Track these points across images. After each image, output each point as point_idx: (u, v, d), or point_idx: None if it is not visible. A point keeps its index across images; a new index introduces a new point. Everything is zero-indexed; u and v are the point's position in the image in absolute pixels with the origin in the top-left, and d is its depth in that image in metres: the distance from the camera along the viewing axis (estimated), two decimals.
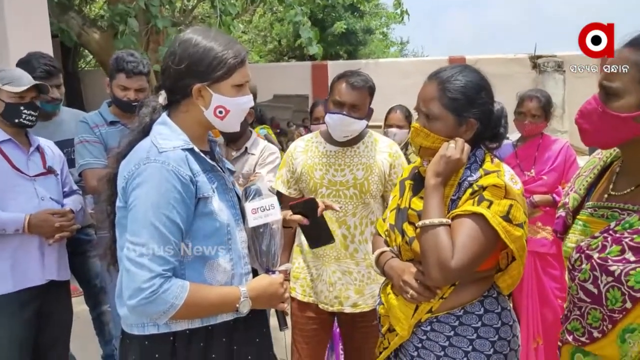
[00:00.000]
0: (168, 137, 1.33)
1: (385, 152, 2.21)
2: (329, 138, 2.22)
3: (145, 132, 1.38)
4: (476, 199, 1.35)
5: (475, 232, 1.31)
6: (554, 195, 2.82)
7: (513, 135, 3.04)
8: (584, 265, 1.12)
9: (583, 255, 1.13)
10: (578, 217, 1.25)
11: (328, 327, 2.30)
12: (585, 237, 1.19)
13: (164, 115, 1.38)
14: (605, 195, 1.22)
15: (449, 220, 1.36)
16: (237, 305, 1.33)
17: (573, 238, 1.23)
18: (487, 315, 1.41)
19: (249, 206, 1.44)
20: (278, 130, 9.44)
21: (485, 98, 1.46)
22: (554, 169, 2.85)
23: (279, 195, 2.33)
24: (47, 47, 3.89)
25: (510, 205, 1.33)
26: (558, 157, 2.86)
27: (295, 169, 2.24)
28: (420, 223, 1.37)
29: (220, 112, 1.36)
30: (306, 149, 2.26)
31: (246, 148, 2.48)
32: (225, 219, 1.35)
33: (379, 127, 3.16)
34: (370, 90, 2.14)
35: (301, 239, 2.20)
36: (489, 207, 1.32)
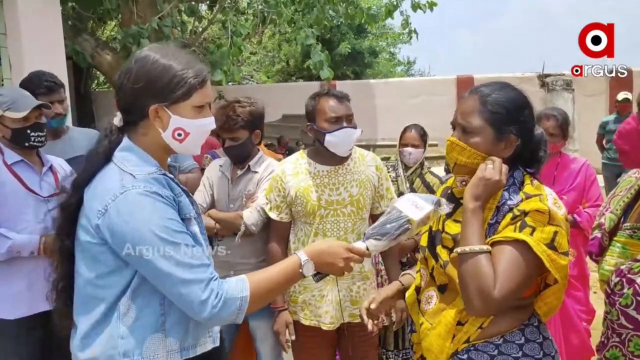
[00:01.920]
0: (137, 163, 1.27)
1: (372, 165, 2.26)
2: (318, 158, 2.21)
3: (106, 157, 1.29)
4: (518, 224, 1.29)
5: (518, 260, 1.26)
6: (575, 215, 2.76)
7: None
8: (625, 290, 1.08)
9: (624, 280, 1.09)
10: (615, 238, 1.21)
11: (333, 349, 2.29)
12: (625, 260, 1.14)
13: (127, 140, 1.31)
14: None
15: (489, 247, 1.30)
16: (301, 270, 1.31)
17: (611, 261, 1.19)
18: (528, 345, 1.35)
19: (412, 195, 1.41)
20: (286, 151, 9.44)
21: (527, 116, 1.42)
22: (574, 189, 2.80)
23: (269, 220, 2.30)
24: (61, 69, 3.94)
25: (555, 232, 1.28)
26: (578, 176, 2.81)
27: (288, 192, 2.20)
28: (459, 250, 1.31)
29: (179, 135, 1.29)
30: (296, 171, 2.23)
31: (249, 166, 2.46)
32: (203, 242, 1.31)
33: (393, 146, 3.12)
34: (349, 99, 2.19)
35: None
36: (531, 233, 1.27)
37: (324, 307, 2.16)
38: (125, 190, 1.20)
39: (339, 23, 14.72)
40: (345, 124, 2.11)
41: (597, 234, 1.26)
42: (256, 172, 2.46)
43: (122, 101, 1.31)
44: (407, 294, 1.61)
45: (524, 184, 1.40)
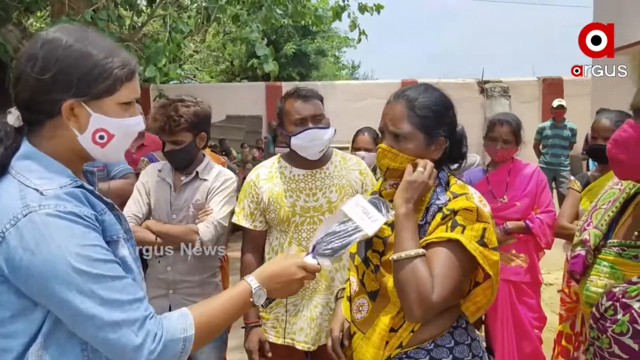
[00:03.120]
0: (44, 175, 1.01)
1: (355, 169, 2.10)
2: (294, 162, 2.06)
3: (0, 168, 1.02)
4: (449, 224, 1.30)
5: (453, 261, 1.27)
6: (527, 221, 2.74)
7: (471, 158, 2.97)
8: (619, 316, 0.98)
9: (618, 304, 0.99)
10: (601, 256, 1.12)
11: None
12: (616, 281, 1.05)
13: (28, 145, 1.04)
14: (636, 233, 1.09)
15: (424, 251, 1.29)
16: (252, 299, 1.15)
17: (599, 282, 1.09)
18: (458, 347, 1.36)
19: (361, 198, 1.34)
20: (222, 152, 9.14)
21: (453, 116, 1.45)
22: (527, 195, 2.78)
23: (242, 229, 2.12)
24: None
25: (484, 229, 1.30)
26: (530, 182, 2.79)
27: (261, 198, 2.04)
28: (395, 257, 1.29)
29: (101, 138, 1.06)
30: (270, 176, 2.07)
31: (197, 173, 2.22)
32: (135, 268, 1.08)
33: (345, 149, 3.01)
34: (321, 97, 2.05)
35: None
36: (462, 232, 1.28)
37: (299, 323, 1.99)
38: (30, 212, 0.95)
39: (284, 23, 14.66)
40: (311, 125, 1.96)
41: (580, 251, 1.16)
42: (205, 180, 2.22)
43: (22, 95, 1.04)
44: (343, 307, 1.57)
45: (450, 184, 1.42)
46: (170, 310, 2.17)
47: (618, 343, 1.00)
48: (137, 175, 2.53)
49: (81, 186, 1.04)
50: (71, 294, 0.94)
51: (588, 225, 1.19)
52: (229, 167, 2.93)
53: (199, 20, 7.83)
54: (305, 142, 1.96)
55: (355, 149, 2.91)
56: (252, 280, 1.17)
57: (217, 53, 16.96)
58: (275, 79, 11.57)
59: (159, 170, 2.28)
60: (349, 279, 1.58)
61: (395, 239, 1.32)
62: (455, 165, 1.50)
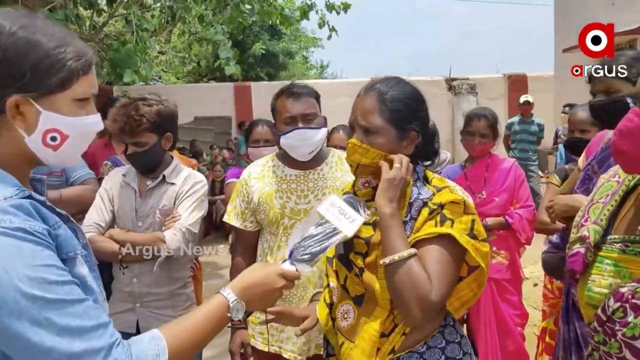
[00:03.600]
0: None
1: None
2: (287, 161, 1.96)
3: None
4: (437, 218, 1.26)
5: (446, 257, 1.22)
6: (506, 217, 2.70)
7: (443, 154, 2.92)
8: (630, 319, 0.91)
9: (628, 305, 0.92)
10: (602, 253, 1.04)
11: None
12: (622, 281, 0.97)
13: None
14: None
15: (416, 250, 1.23)
16: (229, 314, 1.05)
17: (602, 281, 1.01)
18: (449, 347, 1.32)
19: (336, 197, 1.28)
20: (191, 154, 8.93)
21: (425, 110, 1.40)
22: (505, 190, 2.74)
23: (234, 229, 2.03)
24: None
25: (473, 221, 1.27)
26: (508, 177, 2.76)
27: (252, 198, 1.94)
28: (387, 260, 1.21)
29: (54, 139, 0.93)
30: (262, 174, 1.97)
31: (164, 176, 2.07)
32: (96, 287, 0.95)
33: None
34: (316, 95, 1.95)
35: None
36: (452, 225, 1.24)
37: (287, 331, 1.88)
38: None
39: (252, 22, 14.56)
40: (300, 125, 1.85)
41: (579, 248, 1.09)
42: (173, 184, 2.07)
43: None
44: (319, 316, 1.47)
45: (428, 177, 1.38)
46: (137, 325, 2.06)
47: (630, 347, 0.93)
48: (100, 180, 2.37)
49: (29, 197, 0.89)
50: (22, 325, 0.79)
51: (586, 220, 1.12)
52: (199, 170, 2.78)
53: (163, 19, 7.62)
54: (294, 141, 1.86)
55: (330, 146, 2.81)
56: (228, 294, 1.06)
57: (183, 54, 16.62)
58: (244, 79, 11.41)
59: (124, 175, 2.12)
60: (328, 285, 1.49)
61: (383, 240, 1.25)
62: (428, 162, 1.46)
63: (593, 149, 2.21)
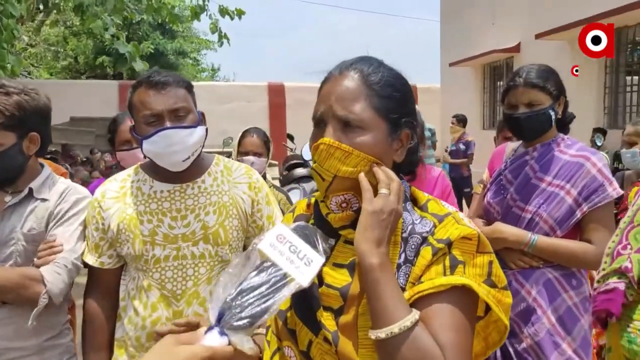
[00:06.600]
0: None
1: (243, 183, 1.58)
2: (156, 173, 1.53)
3: None
4: (446, 262, 0.89)
5: (461, 319, 0.87)
6: None
7: None
8: None
9: None
10: None
11: None
12: None
13: None
14: None
15: (418, 312, 0.87)
16: None
17: None
18: None
19: (285, 228, 0.87)
20: (72, 162, 7.91)
21: (414, 103, 1.01)
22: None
23: (88, 268, 1.56)
24: None
25: (490, 263, 0.92)
26: (435, 187, 2.64)
27: (108, 225, 1.51)
28: (383, 334, 0.86)
29: None
30: (122, 193, 1.53)
31: (31, 190, 1.57)
32: None
33: (227, 153, 2.59)
34: (187, 85, 1.52)
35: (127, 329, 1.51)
36: (464, 271, 0.89)
37: None
38: None
39: (141, 19, 13.75)
40: (168, 124, 1.42)
41: (617, 283, 0.86)
42: (45, 200, 1.57)
43: None
44: None
45: (418, 199, 0.99)
46: None
47: None
48: None
49: None
50: None
51: (624, 248, 0.90)
52: (72, 179, 2.25)
53: (32, 5, 6.72)
54: (161, 147, 1.43)
55: (242, 153, 2.47)
56: None
57: (57, 47, 15.05)
58: (130, 78, 10.51)
59: None
60: (280, 350, 1.04)
61: (372, 302, 0.89)
62: (408, 177, 1.06)
63: (496, 162, 2.21)
